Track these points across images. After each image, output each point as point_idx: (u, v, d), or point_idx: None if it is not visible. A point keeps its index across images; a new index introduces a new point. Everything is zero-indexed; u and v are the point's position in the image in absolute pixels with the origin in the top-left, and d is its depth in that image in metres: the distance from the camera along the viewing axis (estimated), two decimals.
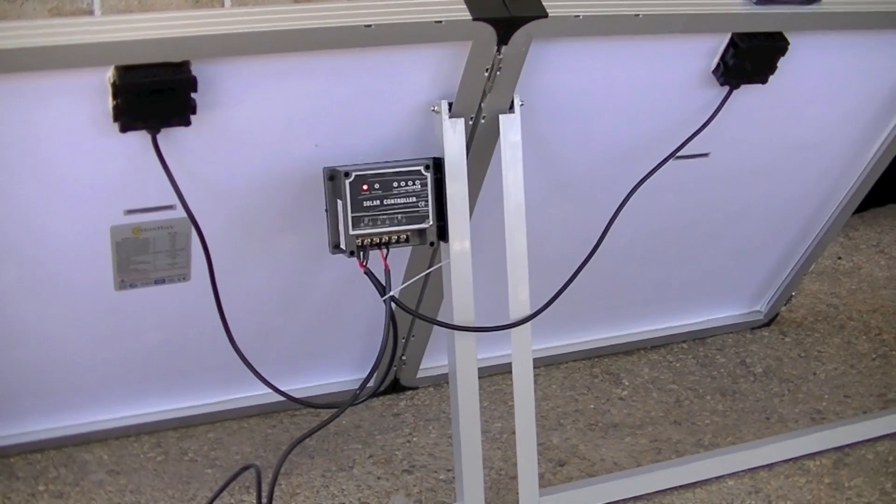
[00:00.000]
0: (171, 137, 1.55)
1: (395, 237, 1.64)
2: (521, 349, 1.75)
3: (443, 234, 1.68)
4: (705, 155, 2.04)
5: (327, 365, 2.18)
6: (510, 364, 1.75)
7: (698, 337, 2.56)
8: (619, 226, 1.82)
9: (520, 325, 1.73)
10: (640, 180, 1.84)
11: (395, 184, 1.62)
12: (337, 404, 1.77)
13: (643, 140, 1.92)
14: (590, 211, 1.94)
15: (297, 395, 1.81)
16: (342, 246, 1.63)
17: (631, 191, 1.83)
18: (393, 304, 1.66)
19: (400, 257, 1.91)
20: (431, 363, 2.26)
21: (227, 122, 1.59)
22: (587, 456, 2.01)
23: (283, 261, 1.89)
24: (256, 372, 1.69)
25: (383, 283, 1.64)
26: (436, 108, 1.66)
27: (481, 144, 1.75)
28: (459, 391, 1.72)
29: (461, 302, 1.70)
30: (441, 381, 2.27)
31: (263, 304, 1.95)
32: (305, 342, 2.11)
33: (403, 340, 2.15)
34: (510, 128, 1.69)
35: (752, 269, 2.51)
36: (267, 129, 1.64)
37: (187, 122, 1.52)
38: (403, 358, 2.21)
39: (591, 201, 1.97)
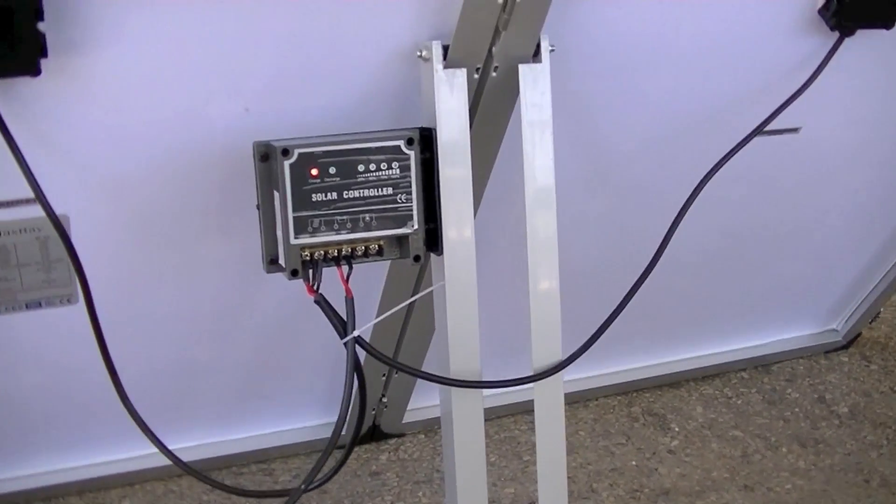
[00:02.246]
0: (15, 94, 1.25)
1: (360, 248, 1.30)
2: (549, 405, 1.43)
3: (433, 242, 1.35)
4: (795, 130, 1.77)
5: (286, 407, 1.91)
6: (525, 403, 1.55)
7: (761, 363, 2.31)
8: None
9: (548, 375, 1.40)
10: (718, 163, 1.56)
11: (362, 167, 1.28)
12: (283, 492, 1.42)
13: (716, 107, 1.68)
14: (639, 204, 1.76)
15: (247, 445, 1.75)
16: (281, 261, 1.27)
17: (705, 177, 1.55)
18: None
19: (374, 272, 1.64)
20: (421, 403, 1.99)
21: (102, 72, 1.27)
22: None
23: (207, 274, 1.61)
24: (145, 426, 1.37)
25: (344, 316, 1.27)
26: (423, 52, 1.35)
27: (492, 107, 1.45)
28: (457, 458, 1.40)
29: (462, 345, 1.37)
30: (434, 426, 2.00)
31: (184, 334, 1.68)
32: (249, 381, 1.83)
33: (384, 378, 1.86)
34: (535, 83, 1.38)
35: (832, 278, 2.27)
36: (167, 84, 1.31)
37: (35, 70, 1.20)
38: (384, 399, 1.91)
39: (642, 191, 1.76)
